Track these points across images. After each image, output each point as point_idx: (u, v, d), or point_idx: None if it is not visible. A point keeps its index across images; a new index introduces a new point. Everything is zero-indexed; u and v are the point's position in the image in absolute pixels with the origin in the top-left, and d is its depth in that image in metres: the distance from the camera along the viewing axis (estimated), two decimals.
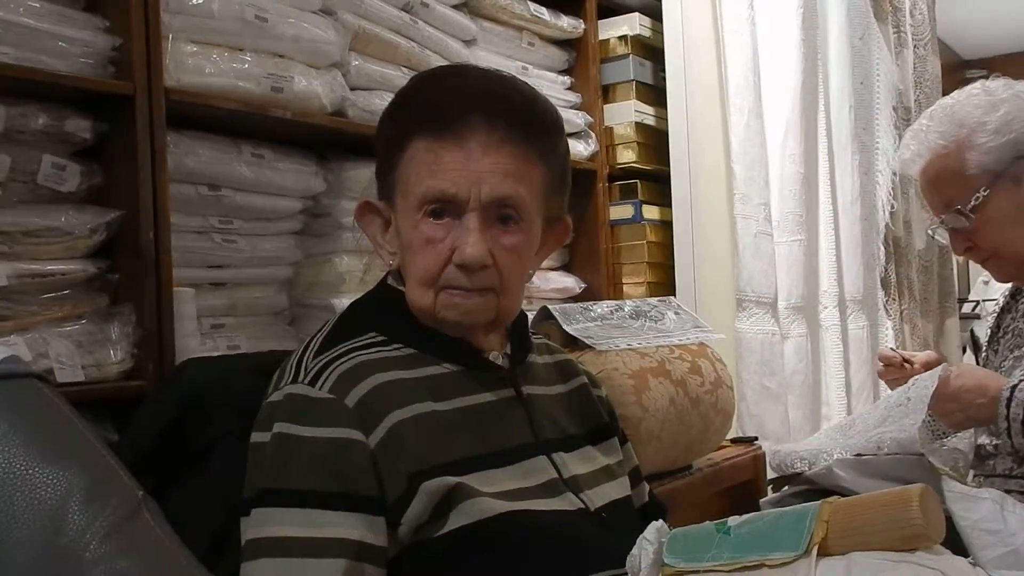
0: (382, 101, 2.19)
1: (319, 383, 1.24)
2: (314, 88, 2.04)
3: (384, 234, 1.38)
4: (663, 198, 3.05)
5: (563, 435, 1.41)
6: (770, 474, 2.23)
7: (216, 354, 1.90)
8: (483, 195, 1.27)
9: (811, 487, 1.91)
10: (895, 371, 2.21)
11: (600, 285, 2.91)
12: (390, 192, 1.35)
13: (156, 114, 1.74)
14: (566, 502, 1.33)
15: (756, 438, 2.64)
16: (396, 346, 1.32)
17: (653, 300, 2.40)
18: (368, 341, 1.32)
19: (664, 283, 3.00)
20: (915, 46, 3.72)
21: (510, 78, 1.36)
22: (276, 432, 1.22)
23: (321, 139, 2.19)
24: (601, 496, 1.38)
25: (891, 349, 2.62)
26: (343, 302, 2.11)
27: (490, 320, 1.33)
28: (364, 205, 1.39)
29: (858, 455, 1.88)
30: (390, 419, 1.23)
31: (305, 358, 1.30)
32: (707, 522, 1.19)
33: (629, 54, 3.01)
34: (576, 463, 1.39)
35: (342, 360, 1.28)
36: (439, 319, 1.32)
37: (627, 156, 3.00)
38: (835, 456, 1.94)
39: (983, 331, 2.30)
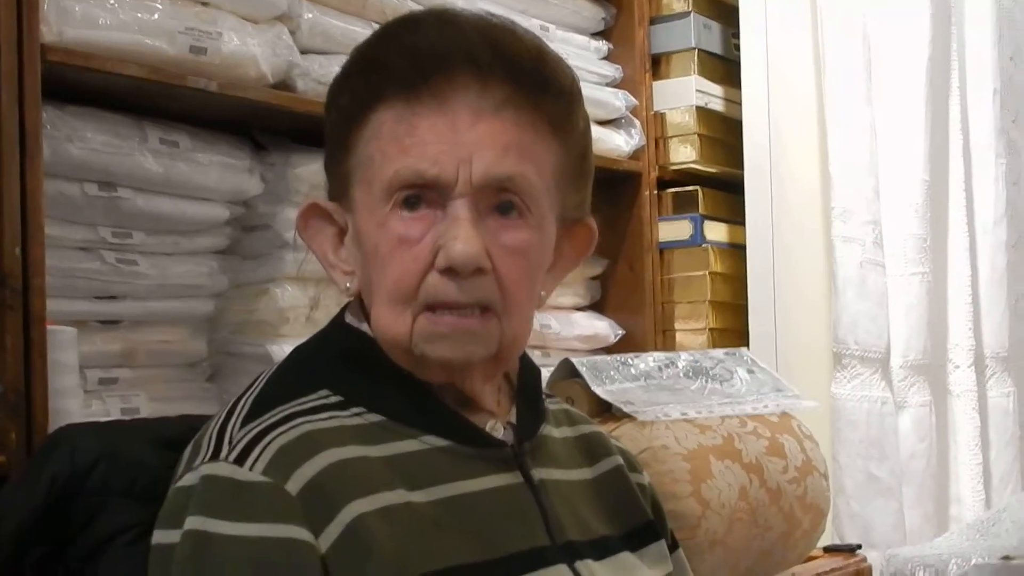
0: None
1: (249, 461, 1.22)
2: (250, 49, 2.04)
3: (338, 249, 1.38)
4: (733, 213, 3.05)
5: (590, 536, 1.39)
6: None
7: (106, 419, 1.90)
8: (475, 174, 1.27)
9: None
10: None
11: (645, 332, 2.91)
12: (345, 186, 1.35)
13: (28, 82, 1.72)
14: None
15: (859, 546, 2.61)
16: (356, 410, 1.31)
17: (718, 353, 2.39)
18: (317, 403, 1.30)
19: (734, 330, 3.00)
20: None
21: (510, 23, 1.36)
22: (189, 530, 1.20)
23: (259, 121, 2.18)
24: None
25: None
26: (285, 350, 2.09)
27: (489, 356, 1.32)
28: (311, 208, 1.39)
29: (1006, 558, 1.87)
30: (349, 511, 1.21)
31: (230, 427, 1.28)
32: None
33: (690, 12, 3.02)
34: (609, 575, 1.37)
35: (281, 429, 1.26)
36: (418, 357, 1.31)
37: (684, 154, 3.00)
38: (973, 561, 1.93)
39: None
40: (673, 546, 1.54)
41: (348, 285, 1.37)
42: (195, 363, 2.18)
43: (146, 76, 1.89)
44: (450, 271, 1.26)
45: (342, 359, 1.36)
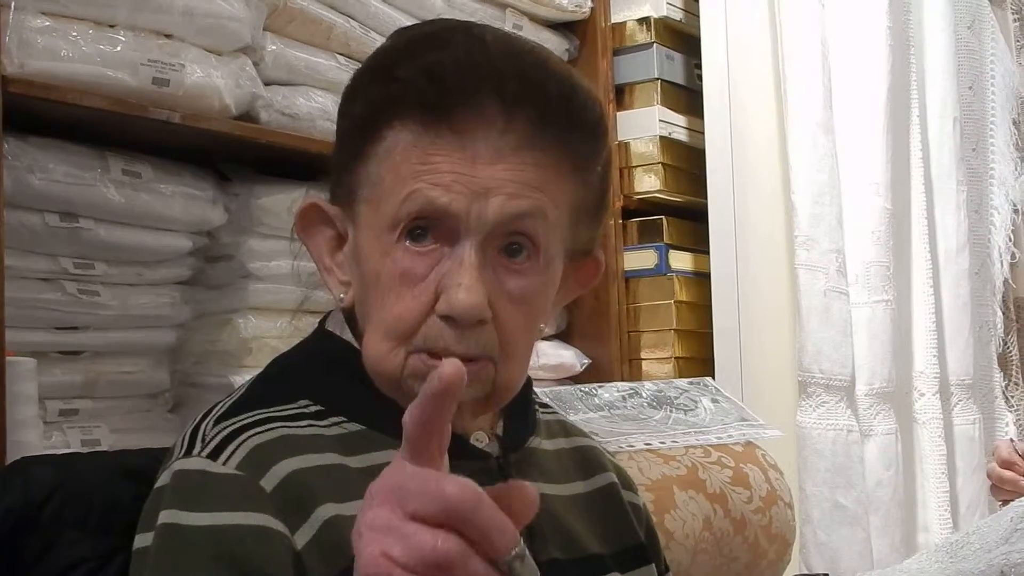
0: (308, 101, 2.21)
1: (223, 456, 1.19)
2: (213, 81, 2.04)
3: (335, 254, 1.33)
4: (698, 242, 3.05)
5: (578, 555, 1.34)
6: None
7: (66, 451, 1.88)
8: (490, 213, 1.20)
9: None
10: (1015, 481, 2.21)
11: (610, 361, 2.91)
12: (350, 198, 1.29)
13: None
14: None
15: (827, 575, 2.61)
16: (336, 420, 1.27)
17: (682, 382, 2.39)
18: (296, 411, 1.26)
19: (699, 359, 3.00)
20: None
21: (542, 53, 1.30)
22: (159, 525, 1.17)
23: (222, 152, 2.19)
24: None
25: (1012, 441, 2.56)
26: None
27: (483, 397, 1.30)
28: (311, 208, 1.32)
29: None
30: (324, 511, 1.17)
31: (203, 426, 1.25)
32: None
33: (653, 43, 3.02)
34: None
35: (258, 429, 1.22)
36: (406, 391, 1.28)
37: (649, 183, 3.00)
38: None
39: None
40: (663, 568, 1.51)
41: (343, 296, 1.31)
42: (157, 394, 2.18)
43: (108, 107, 1.90)
44: (450, 319, 1.22)
45: (324, 369, 1.32)
